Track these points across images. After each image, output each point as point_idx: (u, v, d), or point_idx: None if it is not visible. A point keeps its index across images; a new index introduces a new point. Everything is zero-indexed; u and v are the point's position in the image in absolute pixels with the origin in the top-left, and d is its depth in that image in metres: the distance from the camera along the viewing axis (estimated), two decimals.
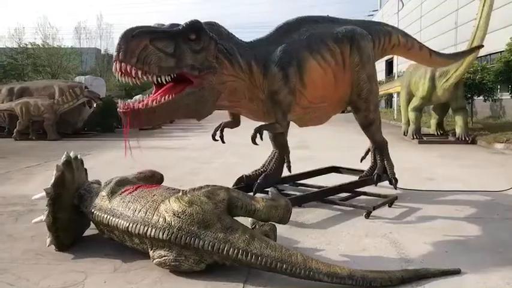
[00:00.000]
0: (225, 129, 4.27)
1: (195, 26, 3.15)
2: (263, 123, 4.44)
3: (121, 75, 2.95)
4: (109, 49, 44.37)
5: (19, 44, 33.07)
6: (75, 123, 15.15)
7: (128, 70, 2.90)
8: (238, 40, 3.76)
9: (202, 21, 3.35)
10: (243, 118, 4.37)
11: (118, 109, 3.09)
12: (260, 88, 3.81)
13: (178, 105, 3.15)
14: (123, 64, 2.88)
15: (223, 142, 4.12)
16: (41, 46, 33.20)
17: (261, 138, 3.87)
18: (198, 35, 3.17)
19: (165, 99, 3.07)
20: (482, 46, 7.02)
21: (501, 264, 3.03)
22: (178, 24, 3.21)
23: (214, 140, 4.13)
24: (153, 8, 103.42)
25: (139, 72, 2.92)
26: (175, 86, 3.17)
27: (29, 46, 32.63)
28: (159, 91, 3.17)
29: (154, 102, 3.05)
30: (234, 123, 4.43)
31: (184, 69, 3.11)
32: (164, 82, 3.09)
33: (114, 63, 2.94)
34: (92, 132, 16.00)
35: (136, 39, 2.88)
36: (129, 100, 3.13)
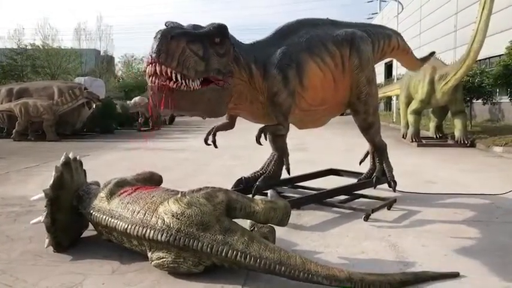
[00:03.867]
0: (223, 132, 4.25)
1: (221, 30, 3.13)
2: (262, 125, 4.44)
3: (155, 77, 2.86)
4: (108, 50, 44.42)
5: (18, 45, 33.03)
6: (74, 124, 15.15)
7: (168, 73, 2.83)
8: (238, 42, 3.76)
9: (208, 23, 3.36)
10: (239, 120, 4.36)
11: (150, 84, 2.94)
12: (260, 90, 3.81)
13: (202, 97, 3.12)
14: (163, 67, 2.80)
15: (215, 147, 4.10)
16: (40, 47, 33.19)
17: (265, 138, 3.87)
18: (222, 39, 3.15)
19: (193, 86, 2.99)
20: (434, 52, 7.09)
21: (500, 268, 3.03)
22: (199, 26, 3.18)
23: (207, 144, 4.11)
24: (155, 10, 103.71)
25: (179, 76, 2.86)
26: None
27: (29, 47, 32.62)
28: None
29: (184, 87, 2.96)
30: (228, 125, 4.39)
31: (211, 73, 3.10)
32: (196, 87, 3.02)
33: (151, 65, 2.82)
34: (91, 133, 16.01)
35: (176, 41, 2.82)
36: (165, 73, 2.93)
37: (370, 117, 4.80)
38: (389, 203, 4.68)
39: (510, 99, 12.61)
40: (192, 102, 3.09)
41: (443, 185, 5.98)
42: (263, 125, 3.93)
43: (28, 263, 3.14)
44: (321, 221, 4.23)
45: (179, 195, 3.00)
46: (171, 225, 2.80)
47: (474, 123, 14.83)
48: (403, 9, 25.76)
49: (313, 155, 9.08)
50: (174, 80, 2.88)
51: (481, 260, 3.17)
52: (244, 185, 4.65)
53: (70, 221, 3.44)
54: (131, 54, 45.96)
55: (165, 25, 3.20)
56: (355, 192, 4.94)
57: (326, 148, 10.65)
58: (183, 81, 2.90)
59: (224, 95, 3.30)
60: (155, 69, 2.84)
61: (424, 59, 6.15)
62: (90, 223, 3.47)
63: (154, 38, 2.85)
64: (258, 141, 3.80)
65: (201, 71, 3.00)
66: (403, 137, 12.57)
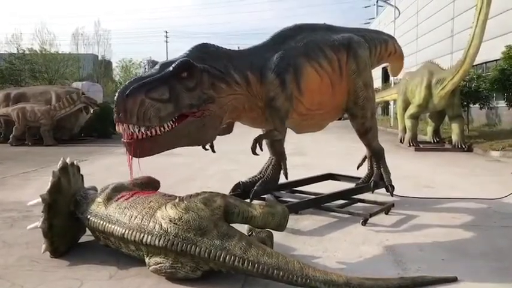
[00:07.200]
0: (221, 136, 4.24)
1: (185, 66, 3.13)
2: (260, 129, 4.44)
3: (125, 134, 3.03)
4: (106, 55, 44.33)
5: (18, 49, 33.01)
6: (72, 129, 15.13)
7: (132, 129, 2.96)
8: (230, 52, 3.72)
9: (192, 46, 3.42)
10: (237, 124, 4.36)
11: (122, 139, 3.10)
12: (258, 96, 3.80)
13: (180, 134, 3.17)
14: (125, 125, 2.94)
15: (213, 151, 4.10)
16: (38, 52, 33.17)
17: (261, 149, 3.87)
18: (190, 72, 3.15)
19: (166, 128, 3.08)
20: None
21: (498, 272, 3.03)
22: (169, 62, 3.20)
23: (205, 149, 4.10)
24: (154, 15, 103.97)
25: (142, 129, 2.97)
26: (177, 119, 3.17)
27: (27, 52, 32.60)
28: None
29: (157, 132, 3.05)
30: (226, 130, 4.38)
31: (183, 110, 3.12)
32: (168, 128, 3.09)
33: (117, 125, 2.99)
34: (88, 138, 15.98)
35: (132, 97, 2.90)
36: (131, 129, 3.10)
37: (367, 121, 4.81)
38: (387, 208, 4.68)
39: (507, 104, 12.66)
40: (168, 142, 3.16)
41: (441, 189, 5.99)
42: (259, 134, 3.93)
43: (25, 269, 3.13)
44: (319, 226, 4.23)
45: (177, 200, 3.00)
46: (169, 230, 2.79)
47: (471, 127, 14.87)
48: (399, 14, 25.88)
49: (311, 160, 9.08)
50: (138, 133, 3.00)
51: (479, 265, 3.17)
52: (242, 190, 4.64)
53: (67, 226, 3.43)
54: (129, 59, 45.87)
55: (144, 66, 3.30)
56: (353, 196, 4.94)
57: (324, 152, 10.66)
58: (147, 132, 3.00)
59: (206, 122, 3.29)
60: (119, 128, 3.00)
61: None
62: (87, 228, 3.46)
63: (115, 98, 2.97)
64: (254, 152, 3.81)
65: (169, 112, 3.03)
66: (400, 141, 12.60)
